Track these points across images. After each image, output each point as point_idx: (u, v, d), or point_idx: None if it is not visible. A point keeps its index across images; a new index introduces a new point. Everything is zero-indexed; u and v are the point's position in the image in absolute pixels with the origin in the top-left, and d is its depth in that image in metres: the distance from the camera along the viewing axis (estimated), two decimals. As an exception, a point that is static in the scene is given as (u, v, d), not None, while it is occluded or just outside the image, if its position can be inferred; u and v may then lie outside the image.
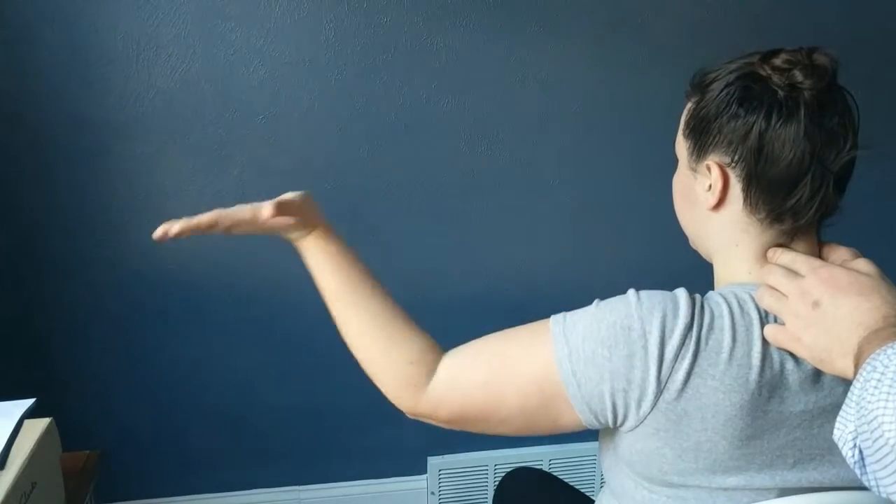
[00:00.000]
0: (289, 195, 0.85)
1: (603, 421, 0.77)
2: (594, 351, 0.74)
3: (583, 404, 0.76)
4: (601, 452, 0.87)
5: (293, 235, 0.88)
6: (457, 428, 0.84)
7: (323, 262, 0.87)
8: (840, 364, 0.68)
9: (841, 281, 0.71)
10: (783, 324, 0.73)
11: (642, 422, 0.75)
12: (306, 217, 0.87)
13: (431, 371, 0.82)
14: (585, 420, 0.77)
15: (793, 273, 0.74)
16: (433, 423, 0.84)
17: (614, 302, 0.77)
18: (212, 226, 0.82)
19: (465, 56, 1.54)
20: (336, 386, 1.74)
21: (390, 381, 0.84)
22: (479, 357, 0.81)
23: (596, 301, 0.79)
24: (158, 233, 0.80)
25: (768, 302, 0.74)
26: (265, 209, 0.82)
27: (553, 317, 0.80)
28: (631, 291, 0.77)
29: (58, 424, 0.98)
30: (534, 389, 0.77)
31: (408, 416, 0.85)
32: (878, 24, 1.66)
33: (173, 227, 0.80)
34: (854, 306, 0.68)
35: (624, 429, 0.77)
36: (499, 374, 0.79)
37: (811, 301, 0.71)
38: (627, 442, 0.78)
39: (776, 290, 0.74)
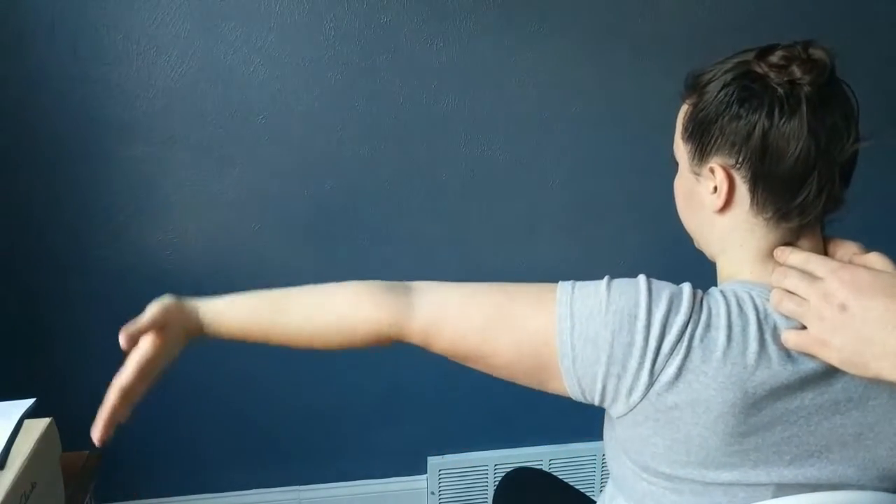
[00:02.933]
0: (140, 321, 0.83)
1: (589, 398, 0.77)
2: (598, 332, 0.74)
3: (573, 378, 0.76)
4: (605, 441, 0.87)
5: (192, 340, 0.86)
6: (449, 357, 0.83)
7: (233, 336, 0.87)
8: (875, 366, 0.68)
9: (865, 282, 0.70)
10: (799, 327, 0.72)
11: (632, 409, 0.75)
12: (175, 329, 0.85)
13: (402, 308, 0.81)
14: (571, 392, 0.77)
15: (809, 275, 0.74)
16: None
17: (625, 285, 0.76)
18: (126, 400, 0.82)
19: (465, 56, 1.54)
20: (336, 386, 1.74)
21: (365, 337, 0.83)
22: (480, 303, 0.80)
23: (607, 278, 0.78)
24: (97, 441, 0.81)
25: (788, 307, 0.73)
26: (127, 354, 0.80)
27: (561, 284, 0.79)
28: (642, 278, 0.77)
29: (58, 424, 0.98)
30: (528, 351, 0.77)
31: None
32: (874, 19, 1.66)
33: (98, 431, 0.80)
34: (885, 308, 0.68)
35: (614, 413, 0.77)
36: (497, 325, 0.78)
37: (836, 304, 0.70)
38: (622, 427, 0.78)
39: (794, 293, 0.73)
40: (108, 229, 1.55)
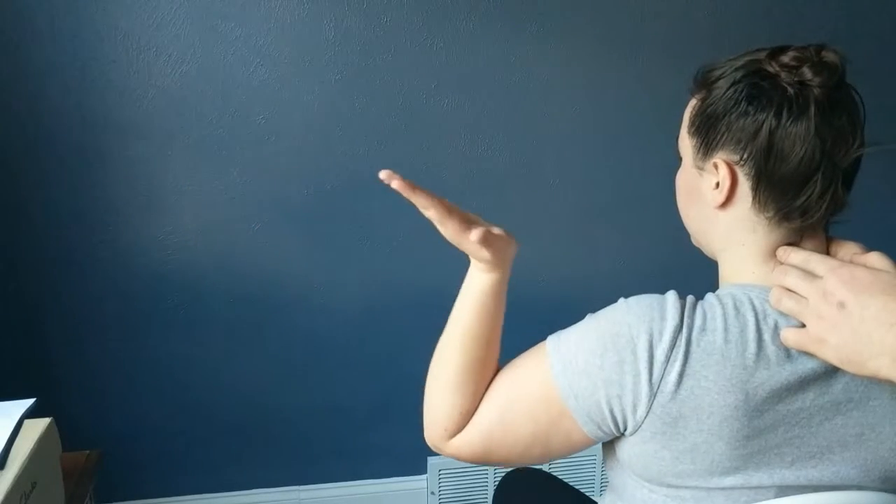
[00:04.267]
0: (499, 230, 0.83)
1: (607, 430, 0.78)
2: (586, 361, 0.75)
3: (585, 417, 0.77)
4: (603, 453, 0.87)
5: (478, 263, 0.85)
6: (483, 464, 0.86)
7: (480, 300, 0.85)
8: (873, 364, 0.68)
9: (863, 280, 0.71)
10: (798, 325, 0.72)
11: (640, 426, 0.75)
12: (500, 257, 0.83)
13: (446, 435, 0.85)
14: (592, 433, 0.78)
15: (809, 274, 0.74)
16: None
17: (603, 312, 0.78)
18: (424, 207, 0.79)
19: (465, 56, 1.54)
20: (336, 386, 1.74)
21: (436, 417, 0.85)
22: (490, 397, 0.83)
23: (588, 315, 0.80)
24: (384, 175, 0.77)
25: (787, 305, 0.73)
26: (474, 234, 0.78)
27: (549, 337, 0.81)
28: (620, 300, 0.78)
29: (58, 424, 0.98)
30: (541, 412, 0.79)
31: (432, 448, 0.87)
32: (879, 23, 1.67)
33: (395, 181, 0.77)
34: (882, 306, 0.68)
35: (625, 434, 0.77)
36: (509, 407, 0.81)
37: (835, 302, 0.70)
38: (627, 445, 0.78)
39: (793, 292, 0.73)
40: (108, 229, 1.55)
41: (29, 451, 0.90)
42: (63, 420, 1.00)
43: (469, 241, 0.79)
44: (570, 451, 0.81)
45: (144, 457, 1.73)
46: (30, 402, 0.97)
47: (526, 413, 0.79)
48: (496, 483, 1.35)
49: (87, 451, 1.14)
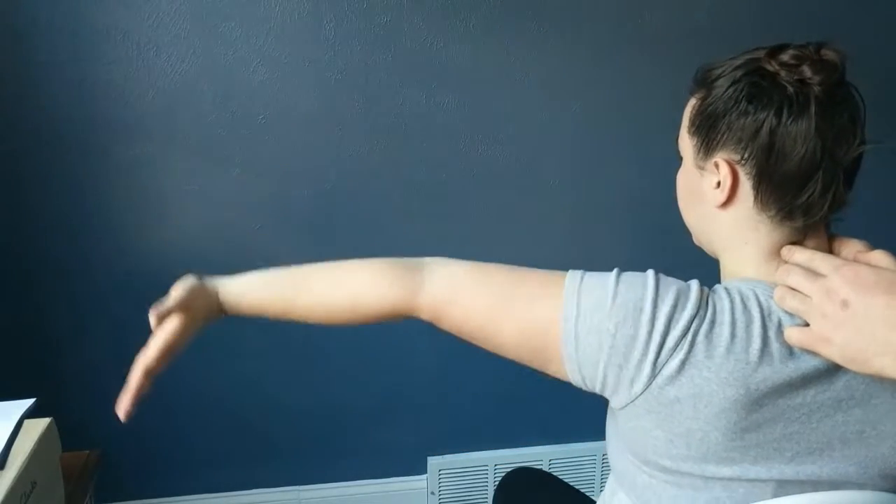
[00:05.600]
0: (167, 302, 0.87)
1: (590, 386, 0.78)
2: (601, 322, 0.75)
3: (575, 365, 0.77)
4: (607, 435, 0.87)
5: (213, 319, 0.90)
6: (455, 335, 0.85)
7: (254, 314, 0.90)
8: (877, 363, 0.68)
9: (867, 279, 0.71)
10: (803, 324, 0.73)
11: (633, 401, 0.75)
12: (198, 310, 0.88)
13: (414, 286, 0.85)
14: (573, 379, 0.78)
15: (813, 273, 0.74)
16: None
17: (633, 278, 0.77)
18: (149, 376, 0.87)
19: (465, 56, 1.54)
20: (336, 386, 1.74)
21: (378, 315, 0.87)
22: (488, 283, 0.82)
23: (616, 270, 0.78)
24: (122, 416, 0.86)
25: (791, 304, 0.73)
26: (153, 348, 0.86)
27: (571, 272, 0.80)
28: (650, 273, 0.77)
29: (58, 424, 0.98)
30: (533, 334, 0.78)
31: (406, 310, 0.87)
32: (879, 23, 1.66)
33: (123, 406, 0.86)
34: (885, 305, 0.68)
35: (615, 404, 0.78)
36: (504, 307, 0.80)
37: (839, 301, 0.70)
38: (623, 418, 0.78)
39: (797, 290, 0.73)
40: (107, 229, 1.55)
41: (29, 451, 0.90)
42: (63, 420, 1.00)
43: (168, 337, 0.86)
44: (542, 371, 0.81)
45: (144, 457, 1.73)
46: (30, 402, 0.97)
47: (517, 326, 0.79)
48: (496, 483, 1.35)
49: (87, 451, 1.15)
